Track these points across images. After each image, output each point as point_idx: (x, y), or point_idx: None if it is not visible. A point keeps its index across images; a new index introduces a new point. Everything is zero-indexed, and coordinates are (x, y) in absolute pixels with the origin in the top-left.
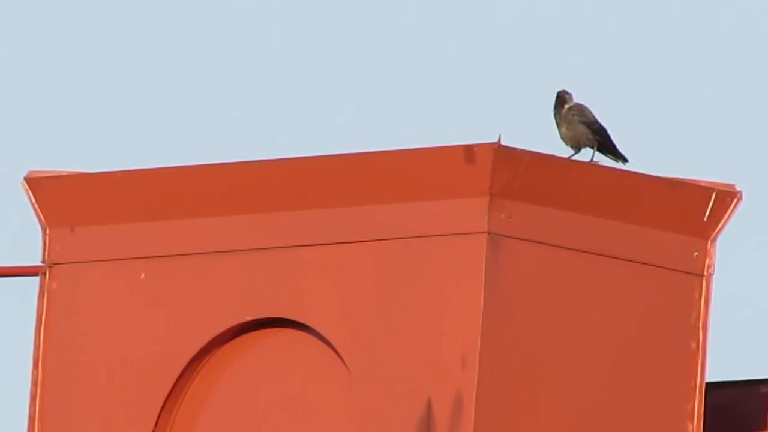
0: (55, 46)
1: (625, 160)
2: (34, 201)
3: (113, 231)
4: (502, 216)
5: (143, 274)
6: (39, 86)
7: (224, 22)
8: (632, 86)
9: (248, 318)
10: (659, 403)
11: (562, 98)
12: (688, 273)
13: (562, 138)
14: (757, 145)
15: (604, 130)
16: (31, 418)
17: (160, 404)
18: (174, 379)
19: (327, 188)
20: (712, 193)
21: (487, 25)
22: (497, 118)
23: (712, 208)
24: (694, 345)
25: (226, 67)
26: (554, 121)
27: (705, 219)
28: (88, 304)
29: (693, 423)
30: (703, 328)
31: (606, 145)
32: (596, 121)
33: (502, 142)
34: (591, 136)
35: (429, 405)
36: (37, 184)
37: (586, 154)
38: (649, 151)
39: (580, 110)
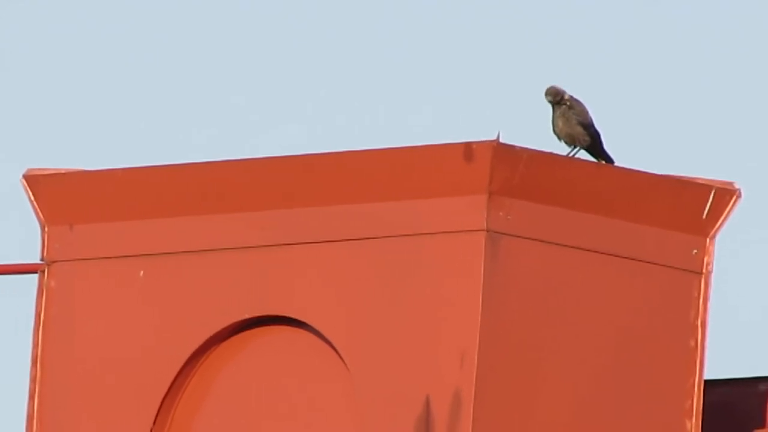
0: (54, 46)
1: (610, 162)
2: (32, 198)
3: (112, 228)
4: (501, 214)
5: (142, 272)
6: (38, 85)
7: (221, 21)
8: (631, 84)
9: (246, 315)
10: (658, 400)
11: (558, 94)
12: (687, 270)
13: (557, 133)
14: (756, 143)
15: (598, 135)
16: (30, 416)
17: (159, 402)
18: (172, 377)
19: (326, 185)
20: (711, 191)
21: (486, 24)
22: (496, 116)
23: (711, 206)
24: (692, 342)
25: (224, 66)
26: (551, 115)
27: (704, 216)
28: (87, 302)
29: (691, 421)
30: (701, 326)
31: (595, 148)
32: (592, 124)
33: (501, 140)
34: (587, 138)
35: (427, 403)
36: (35, 181)
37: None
38: (648, 148)
39: (580, 111)
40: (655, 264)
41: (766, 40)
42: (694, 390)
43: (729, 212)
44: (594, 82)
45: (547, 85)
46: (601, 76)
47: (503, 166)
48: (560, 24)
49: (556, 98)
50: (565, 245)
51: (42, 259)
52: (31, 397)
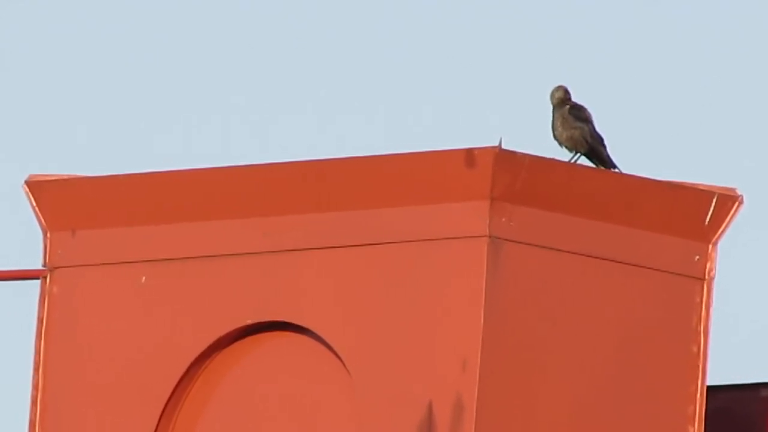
0: (55, 49)
1: (613, 168)
2: (35, 204)
3: (114, 234)
4: (503, 219)
5: (144, 278)
6: (40, 89)
7: (221, 21)
8: (634, 89)
9: (249, 321)
10: (660, 406)
11: (565, 94)
12: (690, 277)
13: (557, 137)
14: (758, 149)
15: (601, 140)
16: (32, 422)
17: (161, 408)
18: (175, 383)
19: (328, 192)
20: (713, 197)
21: (489, 29)
22: (498, 122)
23: (713, 212)
24: (695, 348)
25: (228, 71)
26: (551, 118)
27: (706, 223)
28: (89, 308)
29: (694, 426)
30: (704, 332)
31: (598, 154)
32: (592, 130)
33: (503, 146)
34: (588, 141)
35: (430, 408)
36: (38, 187)
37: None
38: (650, 154)
39: (581, 115)
40: (657, 270)
41: (767, 42)
42: (696, 396)
43: (731, 219)
44: (595, 86)
45: (555, 86)
46: (602, 80)
47: (505, 172)
48: (562, 29)
49: (562, 99)
50: (567, 251)
51: (44, 265)
52: (34, 403)
